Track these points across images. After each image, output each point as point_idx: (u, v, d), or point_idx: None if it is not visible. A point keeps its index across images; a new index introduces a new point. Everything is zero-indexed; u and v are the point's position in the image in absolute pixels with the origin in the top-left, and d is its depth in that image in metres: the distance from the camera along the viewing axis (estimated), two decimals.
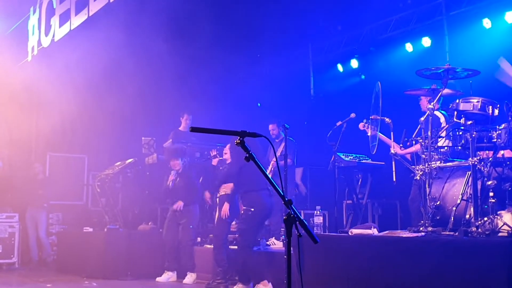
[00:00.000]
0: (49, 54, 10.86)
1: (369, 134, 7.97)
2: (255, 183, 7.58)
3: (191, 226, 9.17)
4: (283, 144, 9.46)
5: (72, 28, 10.01)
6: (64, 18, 10.22)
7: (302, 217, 3.36)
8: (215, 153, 8.97)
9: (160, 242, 9.47)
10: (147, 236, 9.96)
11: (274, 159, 8.94)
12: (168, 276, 9.15)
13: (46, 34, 10.78)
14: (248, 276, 7.63)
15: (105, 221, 10.54)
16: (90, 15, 9.46)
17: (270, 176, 7.81)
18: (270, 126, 10.01)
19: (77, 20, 9.83)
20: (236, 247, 8.00)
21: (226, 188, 8.20)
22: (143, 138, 10.89)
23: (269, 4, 10.75)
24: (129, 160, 10.76)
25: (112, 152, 11.62)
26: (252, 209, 7.57)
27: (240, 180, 7.74)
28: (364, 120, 8.14)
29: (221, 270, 8.18)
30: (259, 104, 13.46)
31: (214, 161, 8.92)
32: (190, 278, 8.93)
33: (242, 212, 7.73)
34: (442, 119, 7.30)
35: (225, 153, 8.31)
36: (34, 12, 11.35)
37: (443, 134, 6.65)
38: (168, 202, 9.50)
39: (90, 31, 9.83)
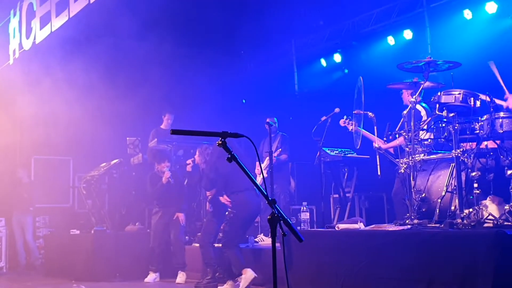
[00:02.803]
0: (31, 57, 10.78)
1: (350, 130, 7.99)
2: (239, 183, 7.60)
3: (182, 224, 9.19)
4: (278, 138, 9.59)
5: (53, 30, 9.93)
6: (45, 20, 10.13)
7: (286, 217, 3.37)
8: (190, 161, 8.99)
9: (148, 242, 9.45)
10: (135, 237, 9.93)
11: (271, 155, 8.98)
12: (154, 277, 9.17)
13: (27, 37, 10.69)
14: (235, 274, 7.65)
15: (92, 223, 10.48)
16: (70, 16, 9.39)
17: (265, 172, 7.85)
18: (268, 120, 9.98)
19: (58, 22, 9.74)
20: (220, 245, 8.06)
21: (211, 194, 8.29)
22: (128, 138, 10.85)
23: (251, 0, 10.74)
24: (115, 161, 10.70)
25: (97, 153, 11.56)
26: (234, 211, 7.61)
27: (226, 181, 7.76)
28: (345, 117, 8.16)
29: (210, 269, 8.19)
30: (243, 101, 13.45)
31: (188, 167, 8.98)
32: (182, 277, 8.94)
33: (227, 213, 7.77)
34: (423, 113, 7.33)
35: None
36: (15, 15, 11.25)
37: (425, 127, 6.68)
38: (156, 204, 9.44)
39: (72, 32, 9.77)
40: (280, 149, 9.76)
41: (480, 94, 6.18)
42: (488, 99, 6.15)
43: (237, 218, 7.64)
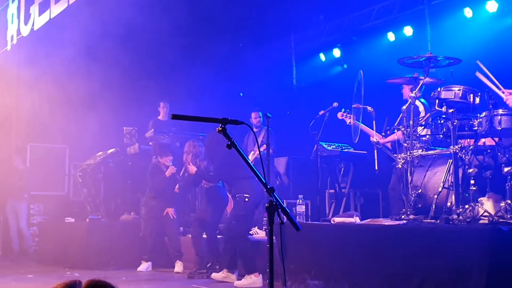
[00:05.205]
0: (29, 43, 10.73)
1: (348, 123, 7.99)
2: (244, 170, 7.55)
3: (174, 217, 9.21)
4: (263, 133, 9.52)
5: (52, 17, 9.91)
6: (44, 6, 10.11)
7: (284, 205, 3.36)
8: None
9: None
10: (129, 226, 9.94)
11: (257, 147, 8.92)
12: (147, 266, 9.20)
13: (26, 23, 10.67)
14: (235, 263, 7.62)
15: (87, 211, 10.49)
16: (70, 3, 9.36)
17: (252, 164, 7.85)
18: (253, 115, 10.00)
19: (57, 9, 9.73)
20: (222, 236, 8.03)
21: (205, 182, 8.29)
22: (124, 128, 10.84)
23: None
24: (111, 150, 10.69)
25: (93, 142, 11.51)
26: (247, 195, 7.55)
27: (228, 167, 7.71)
28: (343, 110, 8.16)
29: (201, 260, 8.21)
30: (241, 94, 13.41)
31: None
32: (180, 266, 8.95)
33: (237, 199, 7.70)
34: (421, 108, 7.33)
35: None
36: (13, 0, 11.21)
37: (423, 123, 6.68)
38: (151, 195, 9.42)
39: (70, 19, 9.73)
40: (265, 145, 9.78)
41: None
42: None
43: (250, 203, 7.61)
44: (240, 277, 7.61)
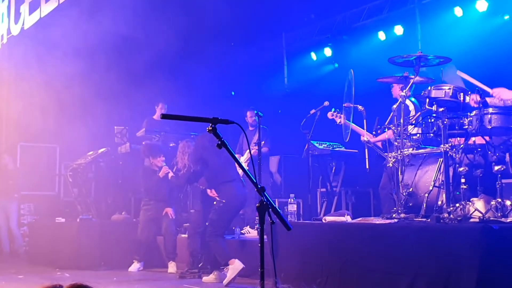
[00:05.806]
0: (19, 42, 10.68)
1: (338, 122, 8.01)
2: (225, 174, 7.60)
3: (172, 217, 9.22)
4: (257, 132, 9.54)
5: (42, 16, 9.87)
6: (34, 5, 10.08)
7: (275, 205, 3.36)
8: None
9: (134, 231, 9.40)
10: (120, 226, 9.88)
11: (251, 146, 8.90)
12: (138, 266, 9.16)
13: (16, 22, 10.63)
14: (221, 263, 7.64)
15: (78, 211, 10.43)
16: (60, 2, 9.33)
17: (246, 165, 7.86)
18: (248, 113, 10.00)
19: (47, 8, 9.70)
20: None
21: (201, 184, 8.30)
22: (115, 127, 10.79)
23: None
24: (102, 150, 10.64)
25: (84, 141, 11.47)
26: (223, 201, 7.59)
27: (211, 173, 7.76)
28: (333, 109, 8.17)
29: (193, 260, 8.21)
30: (233, 93, 13.41)
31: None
32: (174, 267, 8.94)
33: (215, 203, 7.75)
34: (411, 107, 7.34)
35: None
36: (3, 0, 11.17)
37: (413, 121, 6.69)
38: (147, 197, 9.38)
39: (61, 18, 9.69)
40: (263, 142, 9.79)
41: (471, 94, 6.20)
42: (478, 98, 6.17)
43: (225, 208, 7.62)
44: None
